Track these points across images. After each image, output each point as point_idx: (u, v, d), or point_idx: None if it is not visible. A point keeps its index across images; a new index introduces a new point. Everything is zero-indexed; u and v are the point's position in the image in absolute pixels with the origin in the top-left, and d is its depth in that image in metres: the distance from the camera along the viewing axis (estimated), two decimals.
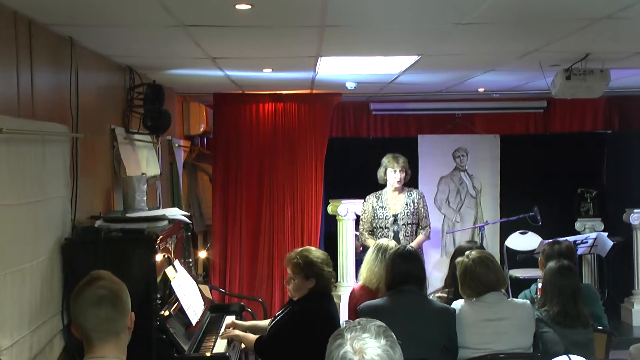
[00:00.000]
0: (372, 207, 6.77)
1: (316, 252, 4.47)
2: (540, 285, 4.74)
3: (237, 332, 4.62)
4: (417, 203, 6.75)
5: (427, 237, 6.85)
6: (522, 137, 9.40)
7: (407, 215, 6.67)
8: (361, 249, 7.34)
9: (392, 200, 6.76)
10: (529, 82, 7.29)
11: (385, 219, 6.69)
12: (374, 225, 6.74)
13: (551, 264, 4.48)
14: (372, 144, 9.14)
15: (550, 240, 5.15)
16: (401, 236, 6.59)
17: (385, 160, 6.81)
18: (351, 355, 1.96)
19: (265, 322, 4.78)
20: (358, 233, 7.17)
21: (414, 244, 6.50)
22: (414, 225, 6.71)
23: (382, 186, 6.89)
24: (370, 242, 6.47)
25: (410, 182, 7.47)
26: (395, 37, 4.57)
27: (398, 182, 6.72)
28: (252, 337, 4.47)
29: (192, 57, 5.17)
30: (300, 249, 4.57)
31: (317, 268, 4.36)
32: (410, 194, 6.79)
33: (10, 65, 3.36)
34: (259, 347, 4.38)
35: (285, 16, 3.82)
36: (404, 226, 6.65)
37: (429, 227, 6.85)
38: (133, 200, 4.76)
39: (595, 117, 9.55)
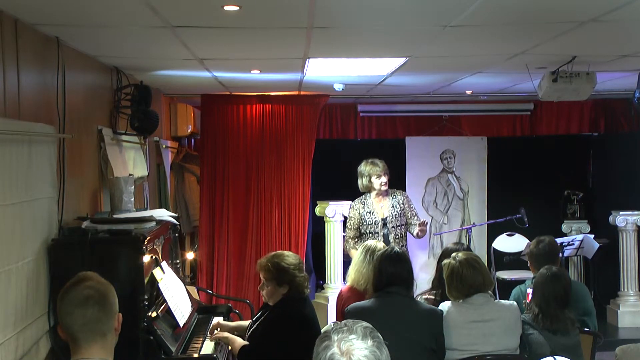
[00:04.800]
0: (359, 213, 6.72)
1: (288, 258, 4.40)
2: (528, 290, 4.78)
3: (227, 334, 4.59)
4: (403, 204, 6.73)
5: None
6: (509, 139, 9.45)
7: (395, 217, 6.65)
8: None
9: (378, 204, 6.72)
10: (516, 84, 7.33)
11: (375, 223, 6.64)
12: (362, 231, 6.68)
13: (543, 270, 4.48)
14: (359, 145, 9.16)
15: (533, 240, 5.17)
16: (391, 239, 6.53)
17: (365, 168, 6.70)
18: (338, 357, 1.96)
19: (248, 323, 4.75)
20: (345, 235, 7.15)
21: (421, 226, 6.57)
22: (403, 227, 6.69)
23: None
24: (354, 253, 6.46)
25: (397, 183, 7.48)
26: (383, 39, 4.58)
27: (384, 185, 6.66)
28: (240, 342, 4.43)
29: (179, 58, 5.16)
30: (272, 254, 4.50)
31: (289, 275, 4.33)
32: (395, 195, 6.76)
33: None
34: (243, 356, 4.35)
35: (273, 17, 3.82)
36: (393, 229, 6.62)
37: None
38: (120, 201, 4.75)
39: (582, 119, 9.63)
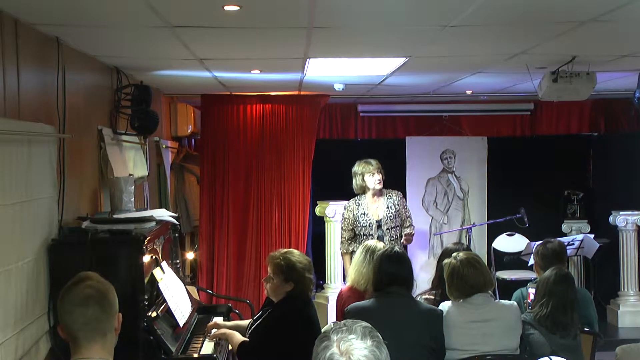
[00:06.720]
0: (353, 214, 6.67)
1: (300, 257, 4.43)
2: (530, 289, 4.78)
3: (223, 330, 4.59)
4: (398, 205, 6.68)
5: (414, 233, 6.77)
6: (509, 139, 9.45)
7: (390, 219, 6.59)
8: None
9: (372, 205, 6.67)
10: (516, 84, 7.32)
11: (369, 225, 6.59)
12: (357, 232, 6.66)
13: (551, 271, 4.45)
14: (359, 145, 9.16)
15: (541, 242, 5.16)
16: (386, 240, 6.43)
17: (358, 168, 6.69)
18: (338, 357, 1.96)
19: (247, 322, 4.75)
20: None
21: (406, 236, 6.52)
22: (398, 228, 6.64)
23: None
24: (347, 259, 6.45)
25: (397, 183, 7.47)
26: (383, 39, 4.58)
27: (379, 183, 6.61)
28: (239, 338, 4.44)
29: (179, 58, 5.16)
30: (285, 250, 4.54)
31: (298, 273, 4.34)
32: (390, 196, 6.71)
33: None
34: (243, 352, 4.35)
35: (274, 17, 3.82)
36: (388, 230, 6.56)
37: (413, 225, 6.82)
38: (120, 201, 4.75)
39: (581, 119, 9.64)
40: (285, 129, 7.92)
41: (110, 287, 2.56)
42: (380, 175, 6.64)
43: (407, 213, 6.77)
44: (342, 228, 6.87)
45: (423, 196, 8.78)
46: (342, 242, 6.80)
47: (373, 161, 6.66)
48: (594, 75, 5.51)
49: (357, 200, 6.73)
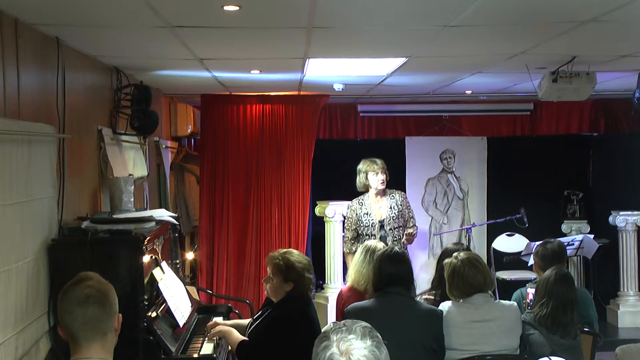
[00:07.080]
0: (356, 214, 6.69)
1: (299, 257, 4.43)
2: (529, 289, 4.78)
3: (220, 328, 4.58)
4: (401, 205, 6.68)
5: (415, 233, 6.78)
6: (509, 139, 9.45)
7: (393, 219, 6.60)
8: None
9: (375, 205, 6.68)
10: (516, 84, 7.32)
11: (372, 225, 6.61)
12: (360, 232, 6.67)
13: (551, 270, 4.45)
14: (359, 145, 9.17)
15: (541, 242, 5.17)
16: (389, 241, 6.45)
17: (362, 166, 6.71)
18: (338, 357, 1.96)
19: (247, 321, 4.75)
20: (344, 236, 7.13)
21: (407, 236, 6.51)
22: (401, 229, 6.64)
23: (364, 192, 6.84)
24: (350, 258, 6.44)
25: (397, 184, 7.46)
26: (383, 39, 4.58)
27: (382, 183, 6.63)
28: (237, 336, 4.43)
29: (179, 58, 5.16)
30: (284, 250, 4.54)
31: (297, 273, 4.34)
32: (393, 196, 6.71)
33: None
34: (242, 352, 4.36)
35: (274, 17, 3.82)
36: (390, 231, 6.57)
37: (416, 226, 6.82)
38: (120, 201, 4.75)
39: (581, 119, 9.63)
40: (285, 129, 7.92)
41: (110, 287, 2.56)
42: (385, 175, 6.66)
43: (410, 213, 6.77)
44: (345, 227, 6.89)
45: (423, 196, 8.78)
46: (345, 242, 6.81)
47: (378, 161, 6.67)
48: (594, 75, 5.51)
49: (361, 200, 6.74)
